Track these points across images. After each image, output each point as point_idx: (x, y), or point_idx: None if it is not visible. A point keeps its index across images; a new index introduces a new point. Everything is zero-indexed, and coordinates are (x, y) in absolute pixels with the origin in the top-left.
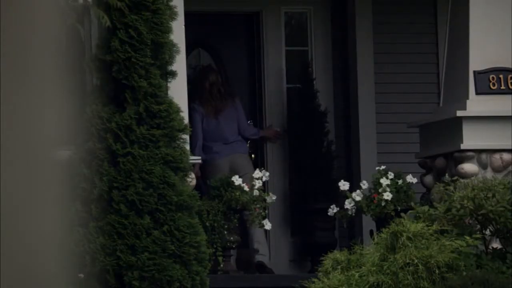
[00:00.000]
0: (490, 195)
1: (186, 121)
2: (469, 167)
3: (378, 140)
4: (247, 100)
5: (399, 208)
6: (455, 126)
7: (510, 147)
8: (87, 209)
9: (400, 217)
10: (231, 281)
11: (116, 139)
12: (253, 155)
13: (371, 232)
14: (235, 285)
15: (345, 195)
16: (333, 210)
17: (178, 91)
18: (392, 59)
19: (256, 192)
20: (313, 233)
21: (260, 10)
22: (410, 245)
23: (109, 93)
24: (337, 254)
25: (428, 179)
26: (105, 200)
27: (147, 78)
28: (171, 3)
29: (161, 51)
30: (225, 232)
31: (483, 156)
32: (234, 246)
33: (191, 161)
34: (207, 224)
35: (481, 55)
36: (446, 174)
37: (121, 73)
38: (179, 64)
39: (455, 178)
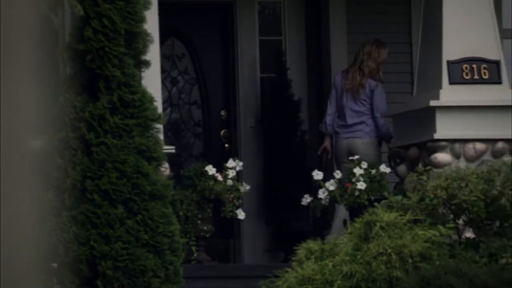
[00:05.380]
0: (463, 184)
1: (160, 110)
2: (442, 156)
3: None
4: (221, 90)
5: (372, 197)
6: (428, 115)
7: (483, 137)
8: (60, 199)
9: (374, 206)
10: (205, 270)
11: (90, 128)
12: (226, 145)
13: (345, 222)
14: (208, 275)
15: (318, 185)
16: (306, 199)
17: (151, 80)
18: None
19: (229, 182)
20: (287, 223)
21: None
22: (383, 234)
23: (83, 82)
24: (311, 244)
25: (402, 168)
26: (78, 189)
27: (120, 68)
28: None
29: (135, 41)
30: (199, 222)
31: (456, 145)
32: (207, 235)
33: (164, 151)
34: (181, 213)
35: (455, 45)
36: (420, 164)
37: (95, 62)
38: (153, 54)
39: (429, 167)
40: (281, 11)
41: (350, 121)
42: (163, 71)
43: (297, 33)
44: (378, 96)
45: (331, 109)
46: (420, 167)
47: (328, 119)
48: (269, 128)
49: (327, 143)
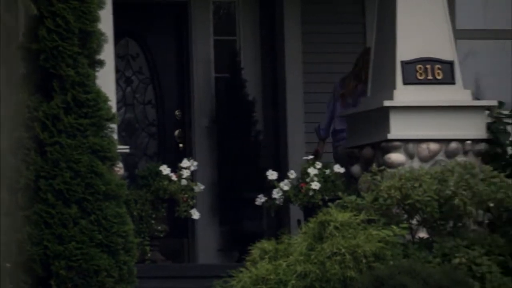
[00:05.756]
0: (417, 184)
1: (114, 110)
2: (396, 157)
3: (306, 130)
4: (175, 89)
5: (326, 197)
6: (382, 116)
7: (437, 137)
8: (13, 198)
9: (328, 206)
10: (159, 270)
11: (44, 128)
12: (180, 145)
13: (299, 222)
14: (162, 275)
15: (273, 185)
16: (261, 199)
17: (106, 80)
18: (320, 49)
19: (184, 182)
20: (241, 223)
21: None
22: (337, 234)
23: (37, 82)
24: (265, 244)
25: (356, 168)
26: (32, 189)
27: (74, 67)
28: None
29: (89, 40)
30: (153, 222)
31: (410, 146)
32: (162, 235)
33: (119, 151)
34: (135, 213)
35: (408, 45)
36: (374, 164)
37: (49, 62)
38: (107, 53)
39: (382, 168)
40: (235, 11)
41: (338, 126)
42: (117, 70)
43: (252, 33)
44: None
45: (326, 114)
46: (374, 167)
47: (322, 123)
48: (223, 128)
49: (319, 146)
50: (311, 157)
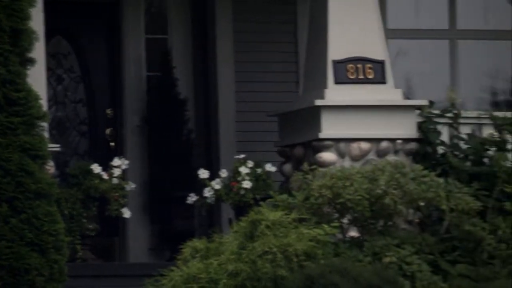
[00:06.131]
0: (348, 183)
1: (45, 108)
2: (327, 156)
3: (238, 129)
4: (107, 88)
5: (258, 196)
6: (313, 115)
7: (367, 136)
8: None
9: (259, 205)
10: (90, 269)
11: None
12: (112, 143)
13: (230, 221)
14: (93, 273)
15: (204, 184)
16: (192, 198)
17: (37, 78)
18: (252, 48)
19: (115, 180)
20: (172, 222)
21: None
22: (268, 233)
23: None
24: (196, 243)
25: (287, 167)
26: None
27: (5, 65)
28: None
29: (20, 38)
30: (84, 220)
31: (341, 145)
32: (93, 234)
33: (49, 149)
34: (66, 212)
35: (340, 44)
36: (305, 163)
37: None
38: (39, 52)
39: (314, 167)
40: (167, 10)
41: None
42: (48, 69)
43: (184, 31)
44: None
45: None
46: (305, 166)
47: None
48: (155, 127)
49: None
50: (242, 156)
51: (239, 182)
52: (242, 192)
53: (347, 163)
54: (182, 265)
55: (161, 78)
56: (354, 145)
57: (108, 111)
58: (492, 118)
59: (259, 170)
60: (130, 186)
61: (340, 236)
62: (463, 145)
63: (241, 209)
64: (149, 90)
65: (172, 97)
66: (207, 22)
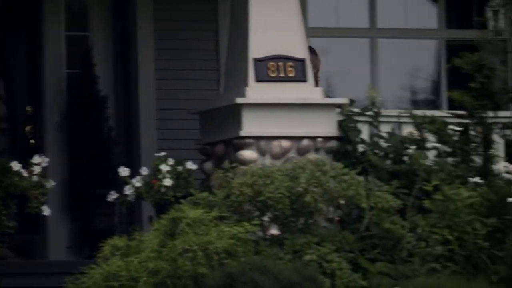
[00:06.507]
0: (268, 181)
1: None
2: (248, 154)
3: (159, 127)
4: (26, 85)
5: (178, 194)
6: (234, 113)
7: (288, 134)
8: None
9: (180, 203)
10: (8, 267)
11: None
12: (32, 141)
13: (151, 218)
14: (12, 271)
15: (125, 181)
16: (112, 196)
17: None
18: (173, 46)
19: (35, 178)
20: (92, 219)
21: None
22: (189, 231)
23: None
24: (117, 240)
25: (208, 165)
26: None
27: None
28: None
29: None
30: (3, 218)
31: (262, 143)
32: (12, 231)
33: None
34: None
35: (261, 42)
36: (226, 161)
37: None
38: None
39: (235, 164)
40: (88, 8)
41: None
42: None
43: (105, 29)
44: None
45: None
46: (226, 164)
47: None
48: (75, 124)
49: None
50: (163, 153)
51: (159, 180)
52: (163, 190)
53: (268, 161)
54: (102, 263)
55: (81, 75)
56: (275, 143)
57: (28, 108)
58: (412, 116)
59: (180, 168)
60: (50, 183)
61: (260, 234)
62: (383, 144)
63: (161, 207)
64: (69, 87)
65: (92, 95)
66: (129, 20)
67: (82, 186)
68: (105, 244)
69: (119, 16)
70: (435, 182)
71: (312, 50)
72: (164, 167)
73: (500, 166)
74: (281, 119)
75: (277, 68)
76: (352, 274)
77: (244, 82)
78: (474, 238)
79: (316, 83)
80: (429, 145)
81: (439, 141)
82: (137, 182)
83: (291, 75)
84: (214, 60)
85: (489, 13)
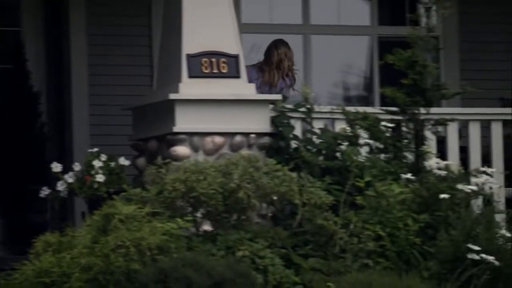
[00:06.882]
0: (201, 177)
1: None
2: (181, 150)
3: (92, 122)
4: None
5: (111, 190)
6: (168, 109)
7: (221, 130)
8: None
9: (113, 199)
10: None
11: None
12: None
13: (83, 214)
14: None
15: (57, 177)
16: (45, 192)
17: None
18: (106, 41)
19: None
20: (24, 215)
21: None
22: (122, 227)
23: None
24: (49, 236)
25: (141, 161)
26: None
27: None
28: None
29: None
30: None
31: (195, 139)
32: None
33: None
34: None
35: (194, 38)
36: (159, 157)
37: None
38: None
39: (168, 160)
40: (20, 2)
41: None
42: None
43: (37, 24)
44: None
45: None
46: (159, 160)
47: None
48: (7, 120)
49: None
50: (96, 149)
51: (92, 175)
52: (96, 185)
53: (201, 157)
54: (34, 259)
55: (13, 71)
56: (208, 139)
57: None
58: (345, 113)
59: (112, 164)
60: None
61: (193, 230)
62: (316, 140)
63: (94, 203)
64: (1, 83)
65: (24, 90)
66: (61, 15)
67: (14, 182)
68: (37, 240)
69: (52, 11)
70: (367, 178)
71: (284, 43)
72: (96, 163)
73: (432, 162)
74: (214, 115)
75: (210, 64)
76: (285, 270)
77: (177, 78)
78: (406, 234)
79: (293, 77)
80: (361, 141)
81: (371, 138)
82: (69, 178)
83: (224, 71)
84: (147, 56)
85: (421, 10)
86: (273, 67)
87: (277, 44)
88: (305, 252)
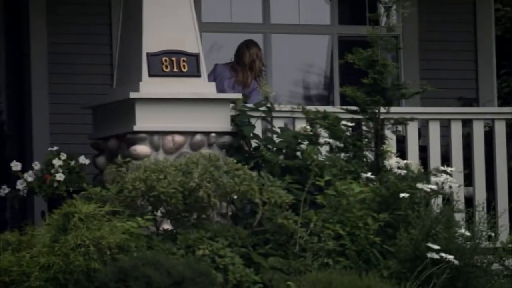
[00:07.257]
0: (162, 176)
1: None
2: (141, 148)
3: (52, 121)
4: None
5: (71, 189)
6: (128, 107)
7: (182, 129)
8: None
9: (73, 198)
10: None
11: None
12: None
13: (43, 213)
14: None
15: (17, 176)
16: (4, 190)
17: None
18: (66, 40)
19: None
20: None
21: None
22: (81, 226)
23: None
24: (8, 235)
25: (101, 160)
26: None
27: None
28: None
29: None
30: None
31: (156, 138)
32: None
33: None
34: None
35: (155, 37)
36: (119, 156)
37: None
38: None
39: (128, 159)
40: None
41: None
42: None
43: None
44: (255, 98)
45: None
46: (119, 159)
47: None
48: None
49: None
50: (55, 148)
51: (52, 174)
52: (55, 184)
53: (161, 156)
54: None
55: None
56: (168, 138)
57: None
58: (305, 112)
59: (72, 163)
60: None
61: (153, 229)
62: (276, 139)
63: (54, 202)
64: None
65: None
66: (21, 14)
67: None
68: None
69: (11, 9)
70: (327, 178)
71: (255, 44)
72: (56, 162)
73: (392, 161)
74: (175, 114)
75: (171, 63)
76: (245, 269)
77: (137, 77)
78: (366, 233)
79: (264, 77)
80: (322, 140)
81: (331, 137)
82: (29, 176)
83: (184, 70)
84: (108, 55)
85: (381, 10)
86: (246, 68)
87: (249, 45)
88: (265, 251)
